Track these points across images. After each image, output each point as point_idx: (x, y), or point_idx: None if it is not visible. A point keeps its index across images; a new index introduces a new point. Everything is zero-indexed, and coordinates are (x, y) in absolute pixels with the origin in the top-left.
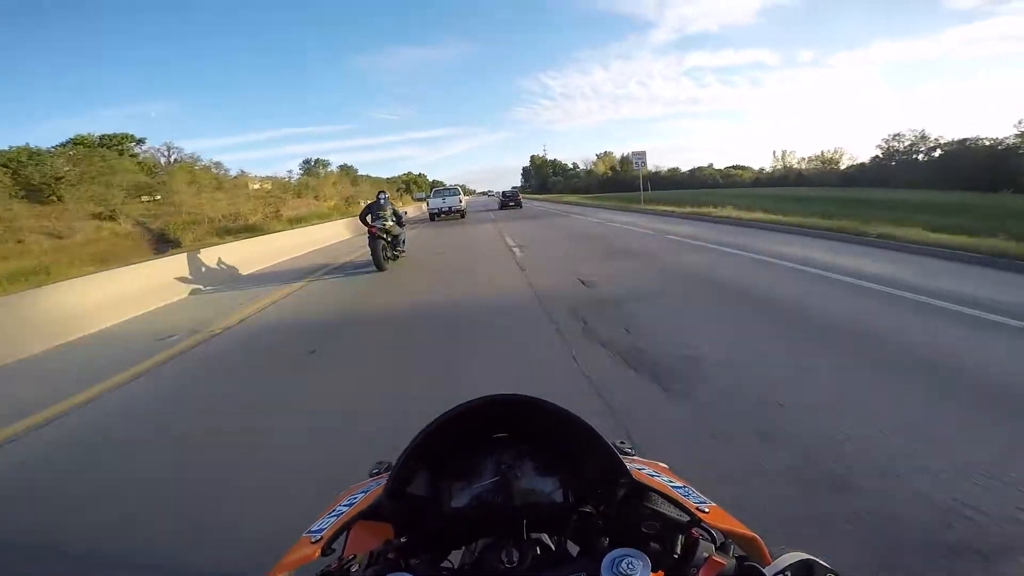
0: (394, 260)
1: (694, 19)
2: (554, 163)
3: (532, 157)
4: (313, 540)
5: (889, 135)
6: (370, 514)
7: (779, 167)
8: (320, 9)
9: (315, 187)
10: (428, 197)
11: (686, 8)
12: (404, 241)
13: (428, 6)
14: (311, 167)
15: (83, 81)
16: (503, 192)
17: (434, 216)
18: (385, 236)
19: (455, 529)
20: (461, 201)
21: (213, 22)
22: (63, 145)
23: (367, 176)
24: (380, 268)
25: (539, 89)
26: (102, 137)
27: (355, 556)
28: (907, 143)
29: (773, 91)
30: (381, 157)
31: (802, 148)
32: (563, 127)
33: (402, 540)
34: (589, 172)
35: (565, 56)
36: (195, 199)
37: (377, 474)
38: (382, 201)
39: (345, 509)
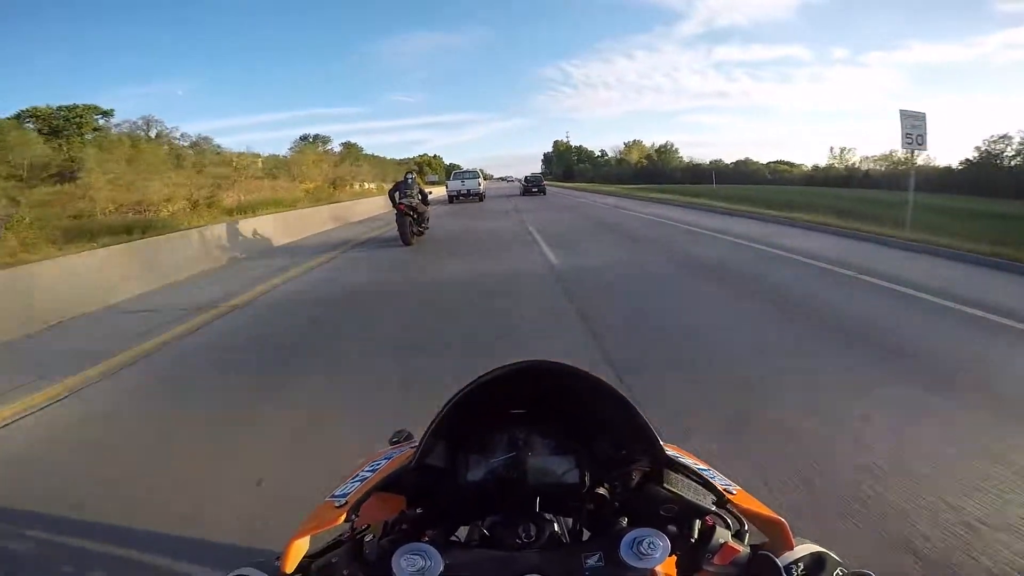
0: (419, 236)
1: (723, 12)
2: (579, 149)
3: (556, 143)
4: (337, 505)
5: (992, 136)
6: (387, 483)
7: (836, 164)
8: None
9: (289, 165)
10: (447, 180)
11: (715, 1)
12: (428, 219)
13: None
14: (309, 143)
15: (101, 59)
16: (525, 177)
17: (452, 198)
18: (412, 214)
19: (468, 503)
20: (480, 184)
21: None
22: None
23: (375, 156)
24: (407, 243)
25: (560, 77)
26: (60, 108)
27: (368, 526)
28: (1018, 145)
29: (804, 87)
30: (397, 140)
31: (863, 146)
32: (583, 116)
33: (417, 511)
34: (620, 160)
35: (588, 45)
36: (115, 181)
37: (397, 442)
38: (410, 180)
39: (369, 475)
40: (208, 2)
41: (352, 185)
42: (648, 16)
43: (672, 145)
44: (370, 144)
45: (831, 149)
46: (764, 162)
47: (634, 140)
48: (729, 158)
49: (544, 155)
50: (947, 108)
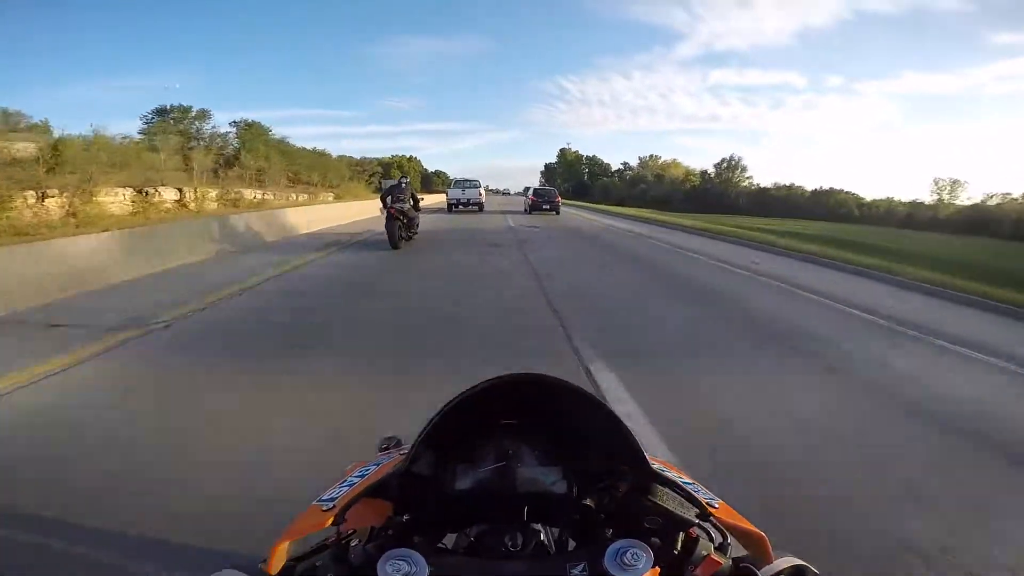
0: (408, 240)
1: (724, 35)
2: (592, 161)
3: (562, 151)
4: (325, 508)
5: None
6: (374, 489)
7: (945, 200)
8: None
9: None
10: (448, 188)
11: (717, 23)
12: (418, 224)
13: None
14: (168, 117)
15: (84, 52)
16: (533, 190)
17: (452, 207)
18: (402, 218)
19: (455, 511)
20: (481, 194)
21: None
22: None
23: (314, 151)
24: (395, 247)
25: (556, 91)
26: None
27: (354, 531)
28: None
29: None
30: (391, 146)
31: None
32: (577, 132)
33: (404, 518)
34: (658, 177)
35: (586, 61)
36: None
37: (386, 449)
38: (403, 185)
39: (357, 480)
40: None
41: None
42: (649, 36)
43: (738, 161)
44: (361, 149)
45: (935, 182)
46: (846, 191)
47: (651, 155)
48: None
49: (545, 166)
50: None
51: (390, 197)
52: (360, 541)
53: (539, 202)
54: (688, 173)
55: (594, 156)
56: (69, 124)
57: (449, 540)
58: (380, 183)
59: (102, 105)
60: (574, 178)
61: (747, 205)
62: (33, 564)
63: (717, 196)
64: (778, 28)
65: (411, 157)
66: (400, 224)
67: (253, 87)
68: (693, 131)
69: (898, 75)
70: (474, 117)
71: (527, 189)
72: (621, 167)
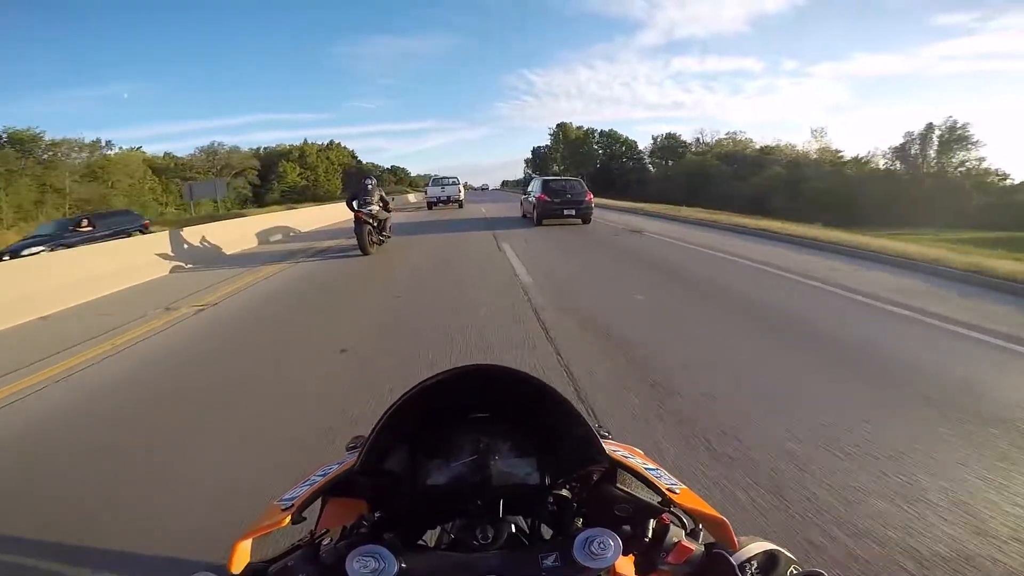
0: (380, 245)
1: (683, 23)
2: (610, 137)
3: (560, 128)
4: (283, 508)
5: None
6: (344, 489)
7: None
8: None
9: None
10: (428, 186)
11: (675, 12)
12: (390, 227)
13: None
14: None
15: (50, 62)
16: (542, 183)
17: (432, 204)
18: (371, 221)
19: (430, 507)
20: (460, 192)
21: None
22: None
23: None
24: (365, 252)
25: (523, 85)
26: None
27: (327, 531)
28: None
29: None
30: (358, 147)
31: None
32: (544, 125)
33: (376, 516)
34: (801, 159)
35: (550, 54)
36: None
37: (354, 448)
38: (369, 187)
39: (319, 479)
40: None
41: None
42: (610, 26)
43: (959, 129)
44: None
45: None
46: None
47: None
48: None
49: (533, 151)
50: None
51: (356, 200)
52: (332, 540)
53: (554, 206)
54: (835, 156)
55: (613, 132)
56: None
57: (431, 537)
58: (343, 182)
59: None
60: (583, 163)
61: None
62: None
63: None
64: (734, 15)
65: (333, 143)
66: (370, 228)
67: (213, 94)
68: (657, 119)
69: (849, 57)
70: (442, 115)
71: (505, 184)
72: (664, 143)
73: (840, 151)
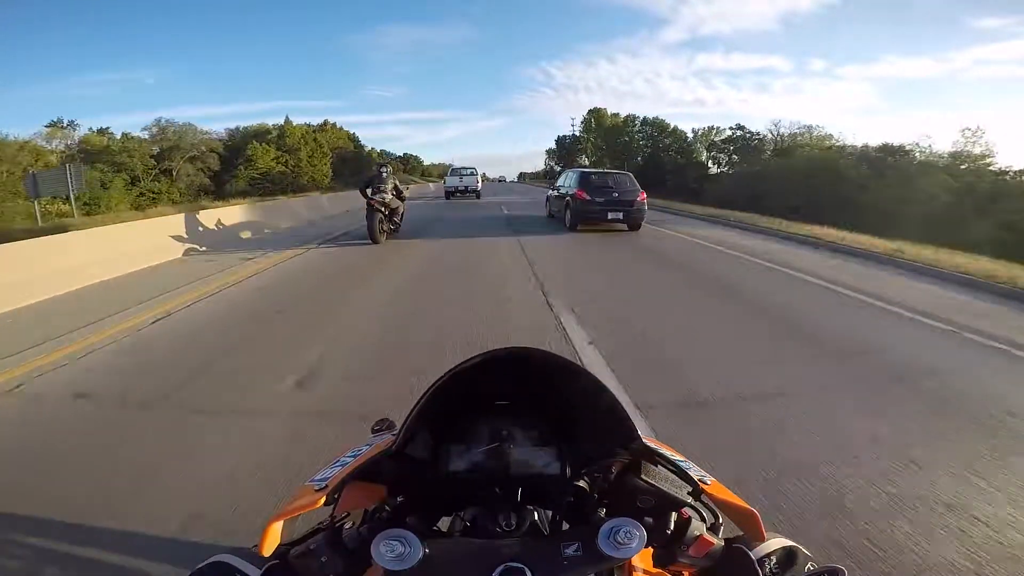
0: (391, 233)
1: (709, 19)
2: (657, 125)
3: (593, 113)
4: (317, 488)
5: None
6: (366, 473)
7: None
8: None
9: None
10: (446, 176)
11: (701, 8)
12: (403, 215)
13: None
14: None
15: (70, 48)
16: (579, 176)
17: (450, 194)
18: (383, 210)
19: (449, 493)
20: (478, 182)
21: None
22: None
23: None
24: (375, 241)
25: (542, 78)
26: None
27: (348, 514)
28: None
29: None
30: (375, 135)
31: None
32: (563, 119)
33: (398, 500)
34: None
35: (571, 46)
36: None
37: (379, 430)
38: (383, 175)
39: (350, 460)
40: None
41: None
42: (634, 20)
43: None
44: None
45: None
46: None
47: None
48: None
49: (558, 141)
50: None
51: (370, 188)
52: (354, 524)
53: (596, 207)
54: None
55: (659, 120)
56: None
57: (444, 523)
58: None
59: (68, 102)
60: (621, 155)
61: None
62: None
63: None
64: (763, 12)
65: (325, 123)
66: (381, 216)
67: (234, 80)
68: (678, 116)
69: (879, 59)
70: (459, 105)
71: (522, 176)
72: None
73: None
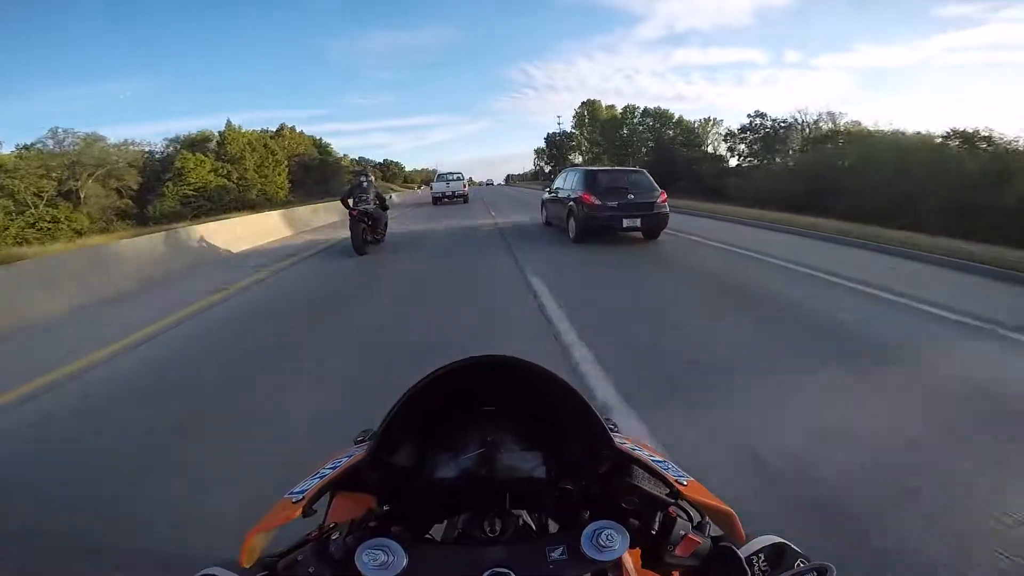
0: (375, 243)
1: (684, 15)
2: (660, 116)
3: (587, 106)
4: (294, 500)
5: None
6: (353, 482)
7: None
8: None
9: None
10: (433, 182)
11: (676, 4)
12: (386, 225)
13: None
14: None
15: (35, 62)
16: (590, 176)
17: (437, 200)
18: (366, 220)
19: (437, 501)
20: (465, 187)
21: None
22: None
23: None
24: (359, 252)
25: (523, 79)
26: None
27: (335, 525)
28: None
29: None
30: (358, 143)
31: None
32: (545, 119)
33: (385, 509)
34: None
35: (549, 46)
36: None
37: (362, 441)
38: (364, 184)
39: (328, 472)
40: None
41: None
42: (609, 18)
43: None
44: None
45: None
46: None
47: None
48: None
49: (547, 139)
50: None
51: (352, 198)
52: (341, 534)
53: (607, 212)
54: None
55: (662, 110)
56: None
57: (437, 532)
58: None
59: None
60: (621, 151)
61: None
62: None
63: None
64: (737, 6)
65: (281, 128)
66: (365, 227)
67: (208, 91)
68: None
69: (853, 48)
70: (441, 110)
71: (509, 178)
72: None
73: None
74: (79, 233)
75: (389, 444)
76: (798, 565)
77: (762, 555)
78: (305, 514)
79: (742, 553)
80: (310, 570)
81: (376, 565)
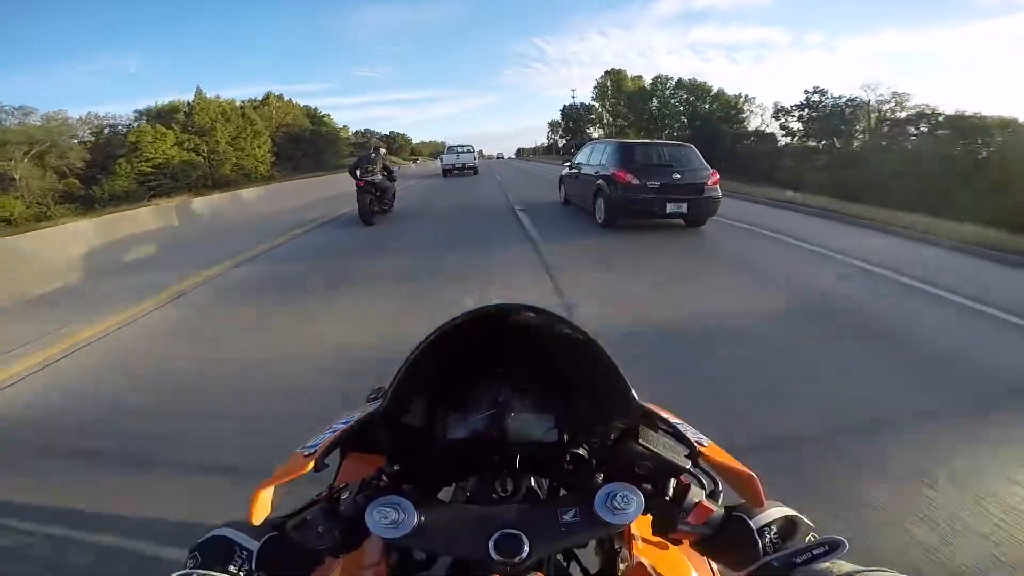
0: (382, 214)
1: None
2: (696, 88)
3: (611, 75)
4: (306, 455)
5: None
6: (364, 443)
7: None
8: None
9: None
10: (442, 154)
11: None
12: (394, 195)
13: None
14: None
15: (42, 34)
16: (624, 150)
17: (447, 172)
18: (373, 191)
19: (448, 461)
20: (475, 159)
21: None
22: None
23: None
24: (366, 223)
25: (534, 53)
26: None
27: (346, 484)
28: None
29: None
30: (363, 116)
31: None
32: (557, 94)
33: (395, 468)
34: None
35: (562, 19)
36: None
37: (374, 399)
38: (373, 155)
39: (341, 427)
40: None
41: None
42: None
43: None
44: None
45: None
46: None
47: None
48: None
49: (563, 111)
50: None
51: (359, 169)
52: (351, 493)
53: (647, 194)
54: None
55: (698, 81)
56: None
57: (446, 494)
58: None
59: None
60: (649, 127)
61: None
62: None
63: None
64: None
65: (268, 96)
66: (372, 198)
67: (214, 64)
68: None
69: (879, 32)
70: (449, 83)
71: (520, 152)
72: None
73: None
74: (8, 221)
75: (401, 402)
76: (810, 539)
77: (774, 527)
78: (317, 468)
79: (754, 524)
80: (320, 529)
81: (387, 523)
